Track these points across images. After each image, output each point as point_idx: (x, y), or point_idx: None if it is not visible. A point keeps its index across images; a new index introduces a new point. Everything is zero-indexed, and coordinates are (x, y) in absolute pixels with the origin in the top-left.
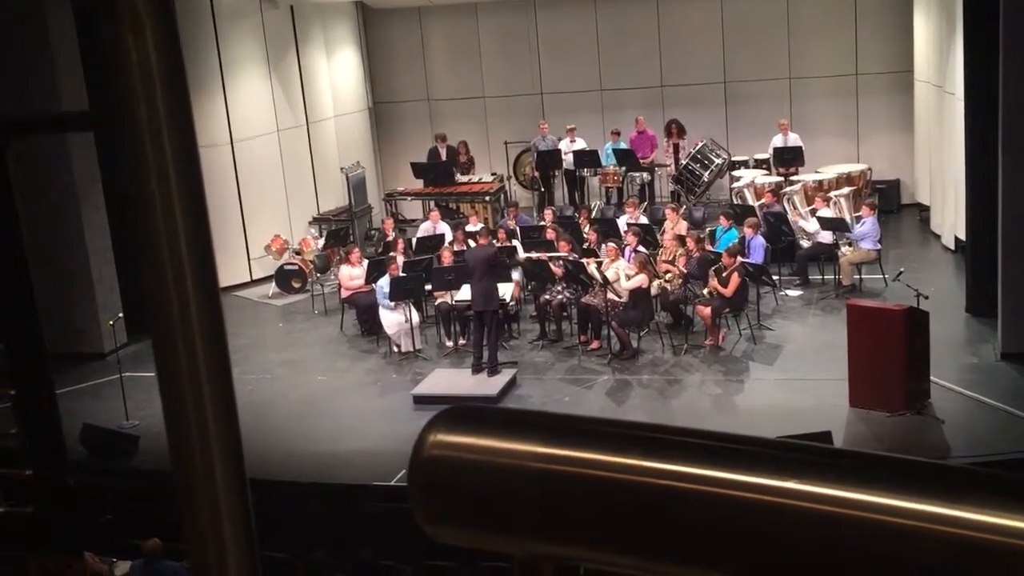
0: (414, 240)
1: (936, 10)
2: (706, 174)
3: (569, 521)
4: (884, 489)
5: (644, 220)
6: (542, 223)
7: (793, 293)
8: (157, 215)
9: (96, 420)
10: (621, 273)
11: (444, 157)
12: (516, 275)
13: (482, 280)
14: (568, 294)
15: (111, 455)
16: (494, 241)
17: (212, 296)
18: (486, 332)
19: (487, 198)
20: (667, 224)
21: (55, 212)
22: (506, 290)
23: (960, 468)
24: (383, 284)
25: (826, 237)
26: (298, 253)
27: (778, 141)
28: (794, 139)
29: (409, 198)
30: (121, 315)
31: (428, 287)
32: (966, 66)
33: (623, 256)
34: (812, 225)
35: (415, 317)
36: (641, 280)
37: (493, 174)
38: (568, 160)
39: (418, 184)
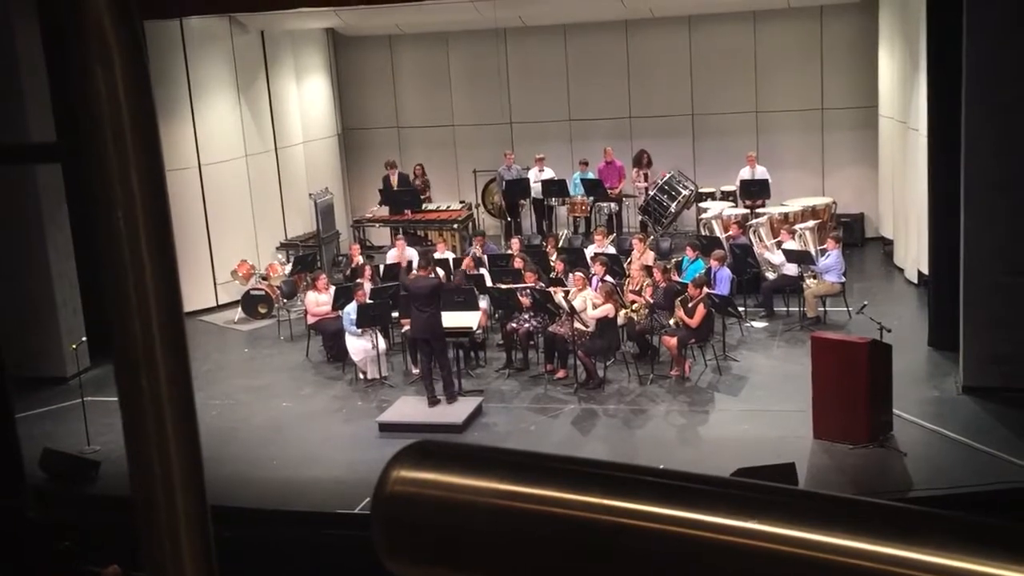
0: (382, 267)
1: (900, 47)
2: (673, 205)
3: (530, 558)
4: (843, 531)
5: (611, 250)
6: (509, 252)
7: (758, 325)
8: (122, 241)
9: (57, 445)
10: (588, 302)
11: (396, 185)
12: (483, 303)
13: (424, 310)
14: (535, 323)
15: (72, 480)
16: (440, 271)
17: (176, 320)
18: (434, 361)
19: (455, 226)
20: (634, 254)
21: (19, 233)
22: (473, 319)
23: (922, 511)
24: (350, 310)
25: (791, 269)
26: (265, 278)
27: (745, 173)
28: (761, 172)
29: (377, 225)
30: (84, 339)
31: (395, 314)
32: (929, 102)
33: (590, 285)
34: (777, 257)
35: (382, 344)
36: (607, 309)
37: (461, 202)
38: (536, 189)
39: (386, 211)
